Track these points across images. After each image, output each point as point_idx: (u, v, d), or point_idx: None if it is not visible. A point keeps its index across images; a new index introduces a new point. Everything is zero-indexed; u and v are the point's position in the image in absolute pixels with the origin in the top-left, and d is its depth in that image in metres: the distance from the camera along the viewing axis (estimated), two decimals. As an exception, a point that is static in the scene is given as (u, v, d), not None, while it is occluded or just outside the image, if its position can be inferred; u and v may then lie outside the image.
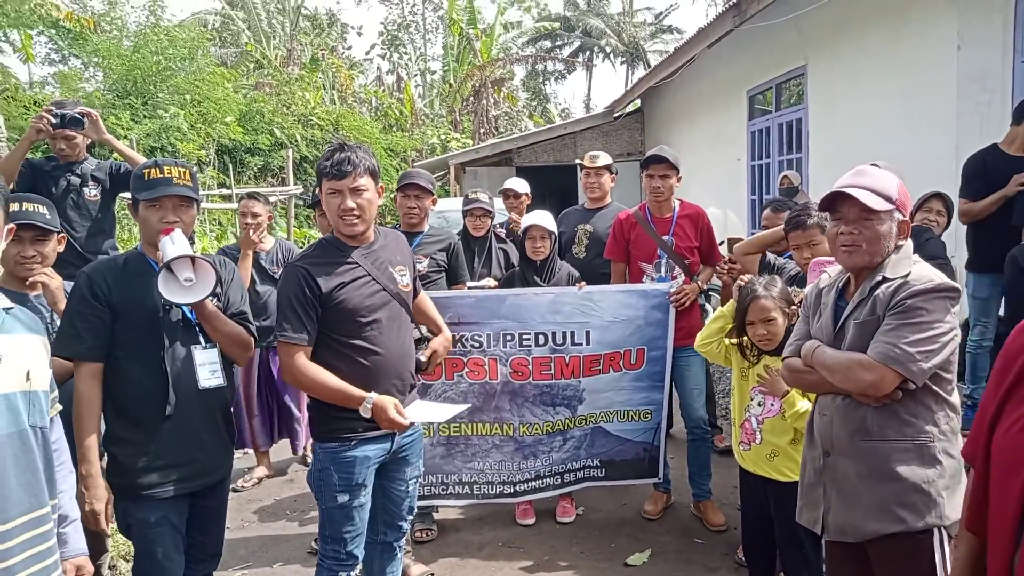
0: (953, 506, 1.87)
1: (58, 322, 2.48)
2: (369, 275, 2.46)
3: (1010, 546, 1.23)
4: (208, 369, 2.35)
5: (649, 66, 19.55)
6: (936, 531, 1.90)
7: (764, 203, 4.32)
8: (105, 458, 2.34)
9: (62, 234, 2.62)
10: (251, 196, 4.53)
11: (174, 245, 2.22)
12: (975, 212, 4.05)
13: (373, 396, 2.34)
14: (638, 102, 13.24)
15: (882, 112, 5.71)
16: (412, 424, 2.47)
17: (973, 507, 1.40)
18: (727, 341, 2.91)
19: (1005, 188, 3.87)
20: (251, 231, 4.20)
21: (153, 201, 2.30)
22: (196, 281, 2.22)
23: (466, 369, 3.64)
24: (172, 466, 2.29)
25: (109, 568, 2.94)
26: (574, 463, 3.88)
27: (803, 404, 2.55)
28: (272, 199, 11.08)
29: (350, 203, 2.39)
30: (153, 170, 2.32)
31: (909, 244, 2.02)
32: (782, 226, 3.16)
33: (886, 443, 1.94)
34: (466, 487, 3.77)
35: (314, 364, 2.38)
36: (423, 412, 2.55)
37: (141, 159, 3.91)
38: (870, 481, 1.95)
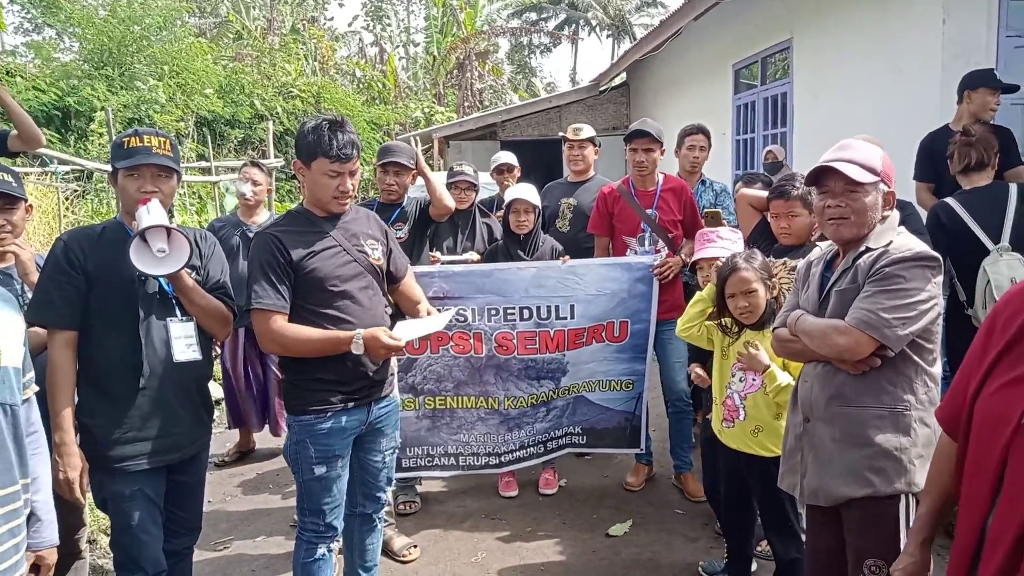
0: (924, 474, 1.88)
1: (29, 294, 2.43)
2: (339, 245, 2.44)
3: (985, 507, 1.25)
4: (184, 343, 2.32)
5: (635, 39, 19.41)
6: (903, 497, 1.94)
7: (737, 177, 4.34)
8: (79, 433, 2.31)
9: (30, 203, 2.55)
10: (253, 163, 4.60)
11: (149, 215, 2.18)
12: (926, 208, 4.06)
13: (360, 331, 2.32)
14: (624, 76, 13.15)
15: (867, 87, 5.70)
16: (405, 345, 2.43)
17: (956, 470, 1.41)
18: (708, 324, 2.90)
19: None
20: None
21: (132, 170, 2.25)
22: (169, 253, 2.18)
23: (451, 343, 3.63)
24: (145, 439, 2.26)
25: (89, 542, 2.92)
26: (556, 431, 3.90)
27: (784, 378, 2.55)
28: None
29: (350, 184, 2.41)
30: (133, 139, 2.26)
31: (895, 215, 2.04)
32: None
33: (862, 409, 1.97)
34: (451, 458, 3.78)
35: (292, 324, 2.36)
36: (413, 329, 2.52)
37: (28, 120, 3.53)
38: (844, 446, 1.99)
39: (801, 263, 2.31)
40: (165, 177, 2.31)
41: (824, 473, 2.03)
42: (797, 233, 3.02)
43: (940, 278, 1.93)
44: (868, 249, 1.98)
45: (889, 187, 2.00)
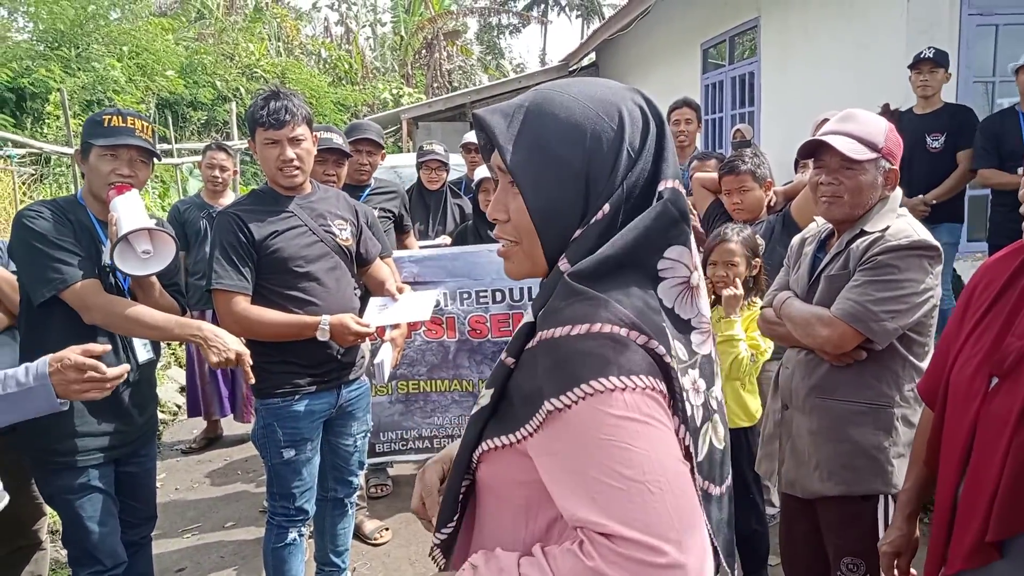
0: (904, 475, 1.77)
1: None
2: (305, 225, 2.39)
3: (956, 477, 1.26)
4: (140, 342, 2.25)
5: (604, 19, 19.32)
6: (881, 498, 1.84)
7: (691, 156, 4.31)
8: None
9: None
10: (219, 147, 4.40)
11: (130, 215, 2.02)
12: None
13: (327, 317, 2.28)
14: (593, 56, 13.10)
15: (833, 65, 5.73)
16: (376, 330, 2.41)
17: (931, 442, 1.43)
18: None
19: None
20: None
21: (110, 150, 2.12)
22: (154, 253, 2.07)
23: (423, 328, 3.58)
24: (99, 435, 2.16)
25: (50, 532, 2.84)
26: None
27: (739, 333, 2.54)
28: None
29: (290, 153, 2.32)
30: (115, 118, 2.13)
31: (897, 196, 1.88)
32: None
33: (842, 403, 1.84)
34: (426, 442, 3.74)
35: (255, 306, 2.30)
36: (388, 316, 2.47)
37: None
38: (821, 440, 1.87)
39: (795, 239, 2.18)
40: (143, 163, 2.19)
41: (800, 466, 1.93)
42: (749, 207, 3.02)
43: (939, 268, 1.78)
44: (864, 232, 1.82)
45: (892, 165, 1.82)
